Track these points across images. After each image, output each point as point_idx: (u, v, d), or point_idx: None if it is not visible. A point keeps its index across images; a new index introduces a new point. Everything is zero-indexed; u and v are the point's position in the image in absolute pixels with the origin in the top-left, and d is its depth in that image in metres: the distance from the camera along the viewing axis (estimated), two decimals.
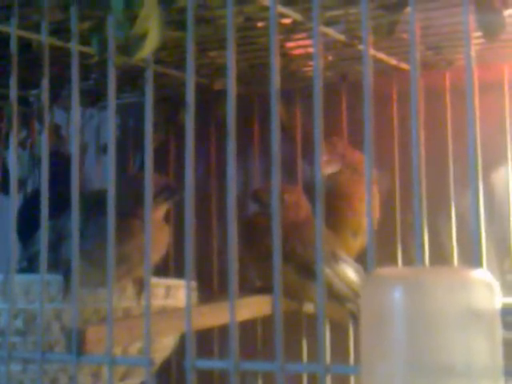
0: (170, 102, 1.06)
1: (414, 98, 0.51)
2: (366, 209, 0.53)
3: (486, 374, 0.44)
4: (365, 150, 0.53)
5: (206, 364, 0.57)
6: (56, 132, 1.08)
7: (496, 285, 0.45)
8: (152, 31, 0.60)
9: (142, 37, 0.60)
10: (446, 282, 0.45)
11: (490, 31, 0.69)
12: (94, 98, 1.08)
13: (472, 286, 0.45)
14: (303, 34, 0.85)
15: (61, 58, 0.80)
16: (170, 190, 0.80)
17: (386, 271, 0.49)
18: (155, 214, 0.77)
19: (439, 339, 0.44)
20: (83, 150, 1.08)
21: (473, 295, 0.45)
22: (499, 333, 0.45)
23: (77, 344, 0.61)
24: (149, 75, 0.62)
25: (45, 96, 0.64)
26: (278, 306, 0.55)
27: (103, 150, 1.14)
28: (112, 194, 0.62)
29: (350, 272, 0.89)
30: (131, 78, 1.00)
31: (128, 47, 0.61)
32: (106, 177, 1.13)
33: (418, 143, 0.52)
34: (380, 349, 0.45)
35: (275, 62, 0.57)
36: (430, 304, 0.45)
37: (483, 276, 0.45)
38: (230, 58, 0.58)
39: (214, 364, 0.59)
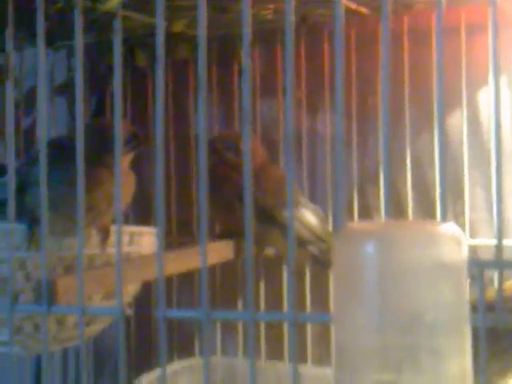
0: (126, 44, 1.04)
1: (384, 43, 0.52)
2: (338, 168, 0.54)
3: (453, 325, 0.47)
4: (337, 97, 0.53)
5: (177, 314, 0.58)
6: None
7: (463, 238, 0.47)
8: None
9: None
10: (415, 236, 0.47)
11: None
12: (49, 38, 1.06)
13: (440, 240, 0.47)
14: None
15: None
16: (138, 140, 0.79)
17: (357, 226, 0.51)
18: (122, 163, 0.77)
19: (409, 291, 0.46)
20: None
21: (441, 249, 0.47)
22: (466, 285, 0.47)
23: (47, 295, 0.61)
24: (117, 26, 0.61)
25: (9, 44, 0.63)
26: (249, 254, 0.55)
27: (57, 91, 1.12)
28: (81, 141, 0.61)
29: (309, 216, 0.90)
30: (87, 20, 0.98)
31: None
32: (60, 120, 1.12)
33: (387, 89, 0.52)
34: (352, 300, 0.47)
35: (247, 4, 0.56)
36: (400, 257, 0.47)
37: (451, 230, 0.47)
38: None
39: (185, 313, 0.60)
